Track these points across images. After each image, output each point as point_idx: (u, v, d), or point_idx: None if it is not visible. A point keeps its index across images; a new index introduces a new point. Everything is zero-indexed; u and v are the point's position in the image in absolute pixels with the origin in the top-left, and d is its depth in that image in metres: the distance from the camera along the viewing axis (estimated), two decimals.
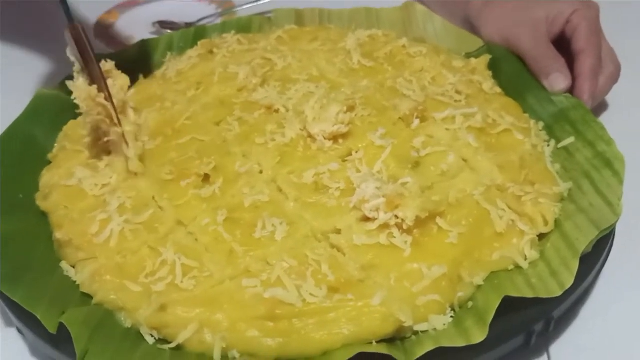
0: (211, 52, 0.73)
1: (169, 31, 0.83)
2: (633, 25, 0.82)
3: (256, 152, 0.55)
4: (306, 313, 0.42)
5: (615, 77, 0.66)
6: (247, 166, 0.54)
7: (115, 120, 0.54)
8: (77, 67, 0.57)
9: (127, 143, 0.54)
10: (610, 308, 0.49)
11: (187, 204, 0.51)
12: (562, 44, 0.66)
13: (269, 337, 0.41)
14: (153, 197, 0.52)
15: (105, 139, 0.56)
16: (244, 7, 0.90)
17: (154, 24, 0.88)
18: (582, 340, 0.47)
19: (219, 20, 0.87)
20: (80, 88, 0.54)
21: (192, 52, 0.72)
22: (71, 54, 0.57)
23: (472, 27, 0.75)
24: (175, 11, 0.91)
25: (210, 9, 0.92)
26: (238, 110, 0.61)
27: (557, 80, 0.63)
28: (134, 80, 0.70)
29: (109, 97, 0.54)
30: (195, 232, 0.48)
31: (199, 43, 0.74)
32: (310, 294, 0.42)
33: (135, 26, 0.89)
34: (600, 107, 0.69)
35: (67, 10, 0.56)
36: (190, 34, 0.78)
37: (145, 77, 0.71)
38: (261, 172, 0.54)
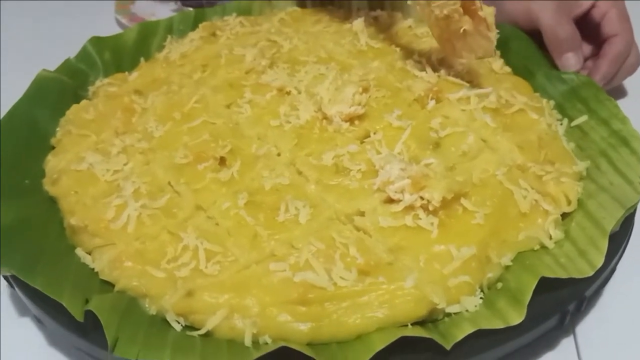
0: (214, 34, 0.71)
1: (190, 9, 0.81)
2: None
3: (272, 135, 0.54)
4: (338, 297, 0.41)
5: (633, 69, 0.66)
6: (264, 149, 0.53)
7: (479, 4, 0.54)
8: None
9: (488, 26, 0.54)
10: (634, 287, 0.49)
11: (206, 187, 0.49)
12: (583, 29, 0.65)
13: (300, 322, 0.40)
14: (169, 182, 0.50)
15: (461, 29, 0.55)
16: None
17: (175, 1, 0.87)
18: (607, 319, 0.47)
19: None
20: None
21: (193, 35, 0.71)
22: None
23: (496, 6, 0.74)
24: None
25: None
26: (248, 93, 0.59)
27: (570, 61, 0.63)
28: (134, 64, 0.69)
29: None
30: (216, 217, 0.47)
31: (200, 26, 0.72)
32: (341, 278, 0.41)
33: (156, 3, 0.88)
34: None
35: None
36: (191, 17, 0.75)
37: (146, 60, 0.69)
38: (279, 154, 0.52)
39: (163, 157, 0.53)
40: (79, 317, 0.40)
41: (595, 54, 0.64)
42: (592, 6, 0.64)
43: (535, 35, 0.66)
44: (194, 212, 0.48)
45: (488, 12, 0.55)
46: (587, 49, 0.66)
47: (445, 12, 0.55)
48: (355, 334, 0.40)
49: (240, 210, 0.47)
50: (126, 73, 0.67)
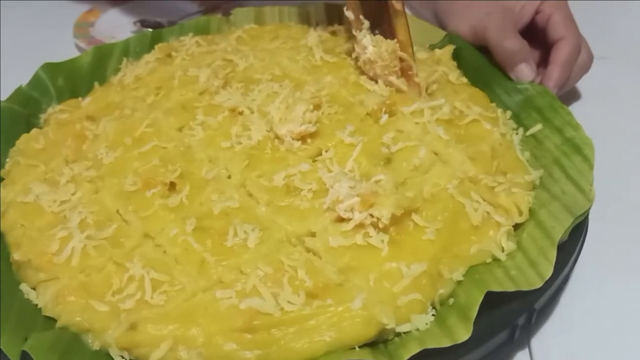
0: (169, 55, 0.70)
1: (150, 30, 0.80)
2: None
3: (223, 157, 0.53)
4: (285, 322, 0.40)
5: (587, 67, 0.66)
6: (214, 172, 0.52)
7: (415, 70, 0.59)
8: (365, 25, 0.62)
9: (420, 91, 0.59)
10: (588, 295, 0.49)
11: (154, 214, 0.48)
12: (531, 35, 0.65)
13: (247, 350, 0.39)
14: (117, 211, 0.49)
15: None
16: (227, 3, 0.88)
17: (135, 22, 0.86)
18: (563, 330, 0.47)
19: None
20: (384, 42, 0.60)
21: (149, 57, 0.70)
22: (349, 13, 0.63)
23: (439, 23, 0.74)
24: (157, 9, 0.89)
25: (193, 6, 0.90)
26: (201, 114, 0.58)
27: (523, 72, 0.62)
28: (89, 89, 0.68)
29: (411, 50, 0.60)
30: (164, 244, 0.46)
31: (155, 47, 0.71)
32: (288, 302, 0.41)
33: (116, 25, 0.86)
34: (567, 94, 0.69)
35: None
36: (147, 38, 0.75)
37: (101, 84, 0.69)
38: (229, 177, 0.52)
39: (112, 185, 0.52)
40: (15, 358, 0.38)
41: (546, 58, 0.64)
42: (536, 12, 0.64)
43: (483, 50, 0.66)
44: (142, 240, 0.47)
45: (422, 78, 0.60)
46: (537, 54, 0.66)
47: (385, 72, 0.60)
48: (303, 359, 0.39)
49: (188, 237, 0.46)
50: (79, 99, 0.66)
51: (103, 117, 0.61)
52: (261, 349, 0.39)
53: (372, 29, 0.62)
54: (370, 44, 0.61)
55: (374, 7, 0.62)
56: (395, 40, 0.60)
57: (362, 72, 0.63)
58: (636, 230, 0.54)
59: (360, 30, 0.62)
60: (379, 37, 0.61)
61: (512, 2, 0.65)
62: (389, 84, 0.60)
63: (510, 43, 0.63)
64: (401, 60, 0.60)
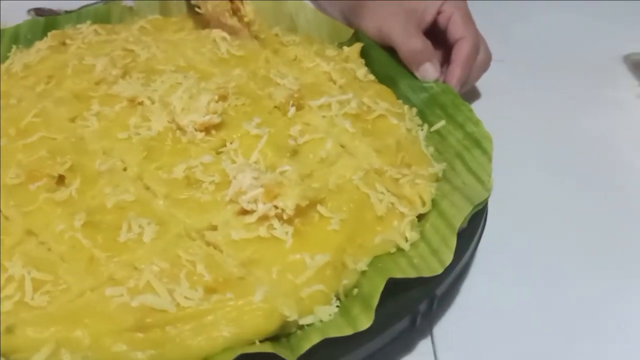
0: (64, 43, 0.65)
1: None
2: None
3: (119, 148, 0.50)
4: (181, 318, 0.38)
5: (486, 66, 0.68)
6: (109, 164, 0.48)
7: (243, 11, 0.65)
8: None
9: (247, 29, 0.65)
10: (488, 283, 0.50)
11: (38, 209, 0.44)
12: (435, 34, 0.67)
13: (138, 350, 0.36)
14: None
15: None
16: None
17: (29, 11, 0.79)
18: (464, 318, 0.47)
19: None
20: None
21: (41, 44, 0.65)
22: None
23: (347, 22, 0.75)
24: None
25: None
26: (96, 105, 0.55)
27: (427, 71, 0.64)
28: None
29: None
30: (48, 241, 0.42)
31: (49, 34, 0.66)
32: (185, 297, 0.38)
33: (8, 13, 0.78)
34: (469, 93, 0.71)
35: None
36: (40, 25, 0.70)
37: None
38: (125, 169, 0.49)
39: None
40: None
41: (449, 57, 0.66)
42: (438, 13, 0.66)
43: (389, 50, 0.67)
44: (24, 237, 0.43)
45: (250, 13, 0.65)
46: (440, 54, 0.68)
47: (217, 9, 0.65)
48: (201, 357, 0.37)
49: (75, 233, 0.42)
50: None
51: None
52: (154, 348, 0.37)
53: None
54: None
55: None
56: None
57: (272, 66, 0.62)
58: (532, 220, 0.56)
59: None
60: None
61: (415, 3, 0.67)
62: (220, 25, 0.66)
63: (414, 43, 0.64)
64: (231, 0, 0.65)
